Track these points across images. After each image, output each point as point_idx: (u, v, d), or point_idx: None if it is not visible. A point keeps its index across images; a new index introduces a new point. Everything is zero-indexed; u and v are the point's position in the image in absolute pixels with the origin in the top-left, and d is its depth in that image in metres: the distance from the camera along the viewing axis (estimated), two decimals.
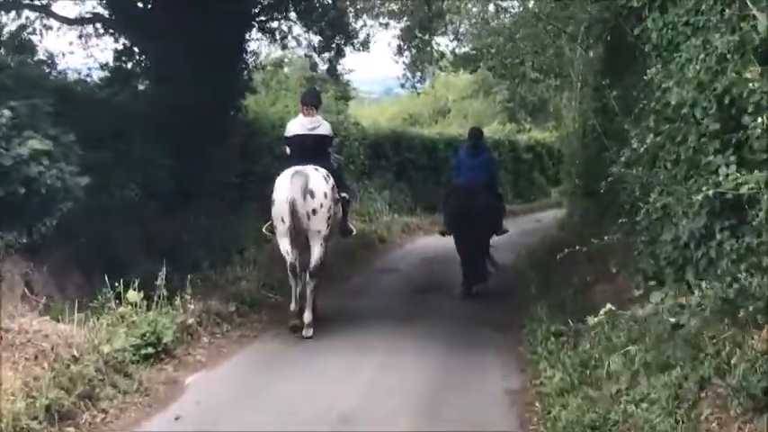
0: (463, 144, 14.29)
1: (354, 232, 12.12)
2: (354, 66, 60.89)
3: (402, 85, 25.77)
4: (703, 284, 5.22)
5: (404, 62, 24.38)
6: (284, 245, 9.99)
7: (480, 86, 40.42)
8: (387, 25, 23.84)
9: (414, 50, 24.08)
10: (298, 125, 10.70)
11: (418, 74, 25.79)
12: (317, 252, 9.96)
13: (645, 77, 8.15)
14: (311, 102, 10.86)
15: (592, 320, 6.23)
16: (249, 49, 16.84)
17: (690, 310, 4.98)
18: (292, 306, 10.10)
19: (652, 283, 7.78)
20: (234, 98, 15.99)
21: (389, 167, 25.57)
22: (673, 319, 5.12)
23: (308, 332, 9.84)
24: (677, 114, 7.08)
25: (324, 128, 10.74)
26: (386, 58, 40.96)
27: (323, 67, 19.57)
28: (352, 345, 9.62)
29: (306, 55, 19.99)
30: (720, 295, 4.93)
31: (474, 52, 27.66)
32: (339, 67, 19.89)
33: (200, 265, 12.26)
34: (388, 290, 13.65)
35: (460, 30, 28.21)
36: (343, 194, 10.87)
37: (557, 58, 22.43)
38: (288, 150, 10.90)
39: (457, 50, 28.13)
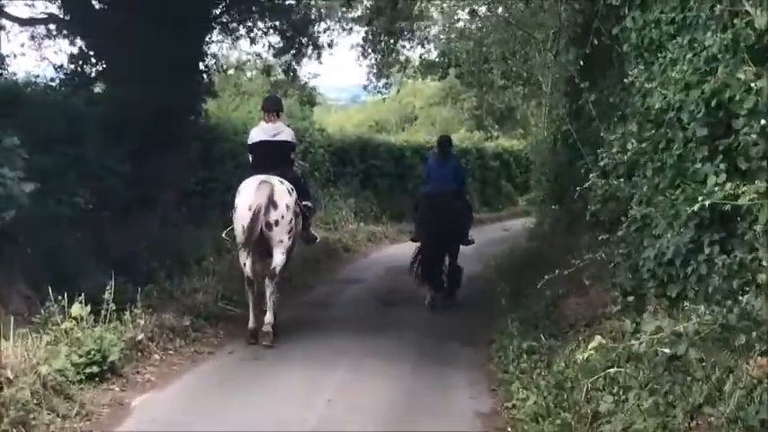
0: (432, 152, 14.35)
1: (318, 239, 12.18)
2: (320, 70, 60.26)
3: (365, 87, 25.30)
4: (701, 309, 4.71)
5: (367, 65, 23.87)
6: (243, 255, 9.92)
7: (448, 93, 40.19)
8: (350, 30, 23.43)
9: (378, 55, 23.58)
10: (260, 132, 10.66)
11: (383, 79, 25.30)
12: (278, 258, 9.82)
13: (625, 80, 7.69)
14: (272, 108, 10.81)
15: (581, 357, 5.65)
16: (209, 51, 16.22)
17: (688, 339, 4.48)
18: (250, 324, 9.85)
19: (630, 299, 7.33)
20: (193, 102, 15.41)
21: (355, 175, 25.15)
22: (668, 350, 4.62)
23: (266, 339, 9.56)
24: (661, 119, 6.62)
25: (286, 134, 10.68)
26: (353, 67, 40.62)
27: (281, 68, 18.97)
28: (313, 361, 9.08)
29: (257, 54, 19.43)
30: (721, 321, 4.45)
31: (442, 59, 27.32)
32: (301, 71, 19.31)
33: (155, 276, 11.64)
34: (352, 301, 13.11)
35: (428, 35, 27.80)
36: (306, 203, 10.75)
37: (525, 63, 22.05)
38: (251, 158, 10.88)
39: (424, 57, 27.82)
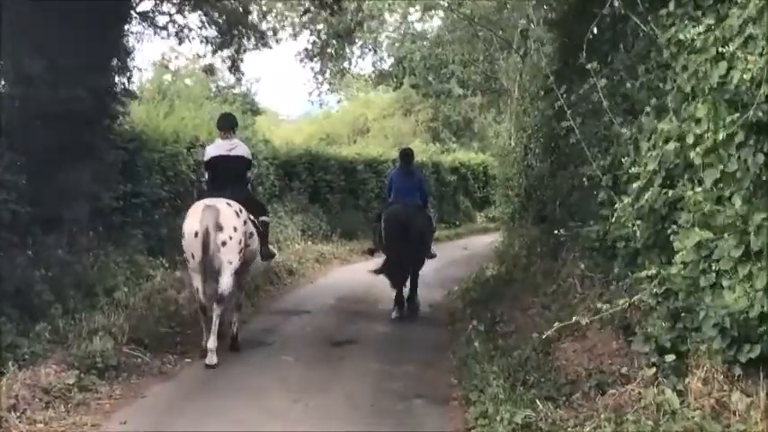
0: (396, 165, 14.42)
1: (276, 255, 12.42)
2: (270, 88, 59.20)
3: (309, 95, 24.07)
4: None
5: (312, 69, 22.25)
6: (195, 281, 9.68)
7: (402, 104, 38.67)
8: (296, 35, 21.90)
9: (325, 60, 21.86)
10: (215, 148, 10.76)
11: (328, 86, 23.71)
12: (225, 280, 9.56)
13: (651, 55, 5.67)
14: (227, 125, 10.86)
15: None
16: (128, 46, 13.87)
17: None
18: (204, 346, 9.44)
19: (669, 358, 5.33)
20: (107, 104, 13.14)
21: (303, 190, 23.03)
22: None
23: (211, 359, 9.15)
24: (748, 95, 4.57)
25: (241, 149, 10.73)
26: (305, 82, 38.79)
27: (225, 64, 16.90)
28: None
29: (197, 55, 17.37)
30: None
31: (396, 68, 25.84)
32: (246, 70, 17.22)
33: (49, 313, 9.45)
34: (292, 341, 10.78)
35: (379, 39, 26.15)
36: (263, 218, 10.82)
37: (488, 66, 20.18)
38: (206, 175, 10.94)
39: (377, 65, 26.43)
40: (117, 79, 13.41)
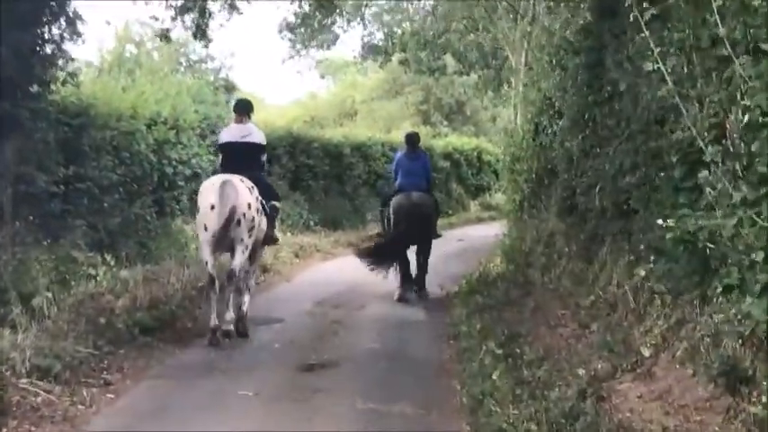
0: (401, 148, 14.38)
1: (279, 241, 12.28)
2: (236, 50, 57.90)
3: (283, 62, 22.49)
4: None
5: (290, 39, 20.28)
6: (205, 254, 9.61)
7: (391, 86, 36.67)
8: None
9: (307, 29, 19.71)
10: (228, 133, 10.78)
11: (306, 52, 21.78)
12: (238, 258, 9.61)
13: None
14: (242, 110, 10.83)
15: None
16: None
17: None
18: (211, 323, 9.25)
19: None
20: (33, 68, 10.74)
21: (282, 175, 20.69)
22: None
23: (227, 326, 9.43)
24: None
25: (255, 136, 10.67)
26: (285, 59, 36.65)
27: (189, 31, 14.58)
28: None
29: (153, 17, 15.09)
30: None
31: (384, 41, 23.80)
32: (208, 39, 14.88)
33: None
34: (255, 364, 8.34)
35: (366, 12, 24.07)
36: (273, 203, 10.71)
37: (490, 33, 17.92)
38: (219, 158, 11.04)
39: (365, 39, 24.43)
40: (48, 36, 11.04)
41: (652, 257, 6.29)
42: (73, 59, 11.90)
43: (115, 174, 13.05)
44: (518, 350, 7.58)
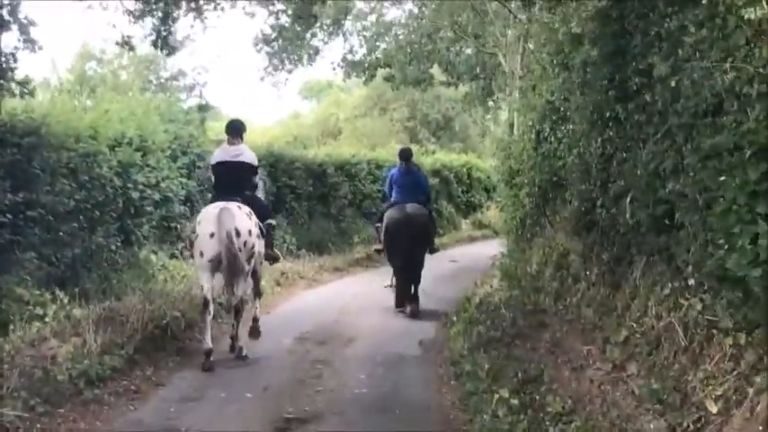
0: (395, 164, 14.50)
1: (281, 259, 12.52)
2: (218, 71, 57.47)
3: (261, 79, 21.87)
4: None
5: (267, 52, 19.27)
6: (203, 278, 9.60)
7: (375, 103, 35.57)
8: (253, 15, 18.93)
9: (284, 42, 18.56)
10: (221, 152, 10.83)
11: (284, 69, 20.78)
12: (240, 287, 9.67)
13: None
14: (235, 132, 10.82)
15: None
16: None
17: None
18: (205, 346, 9.15)
19: None
20: None
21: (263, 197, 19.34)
22: None
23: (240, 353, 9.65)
24: None
25: (246, 156, 10.73)
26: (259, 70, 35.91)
27: (149, 39, 13.35)
28: None
29: (111, 24, 13.85)
30: None
31: (367, 57, 22.77)
32: (171, 48, 13.59)
33: None
34: (219, 421, 6.98)
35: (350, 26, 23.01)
36: (269, 221, 10.92)
37: (480, 40, 16.76)
38: (212, 178, 11.06)
39: (347, 55, 23.41)
40: None
41: (705, 284, 4.99)
42: (12, 68, 10.62)
43: (73, 200, 11.75)
44: (538, 398, 6.26)
